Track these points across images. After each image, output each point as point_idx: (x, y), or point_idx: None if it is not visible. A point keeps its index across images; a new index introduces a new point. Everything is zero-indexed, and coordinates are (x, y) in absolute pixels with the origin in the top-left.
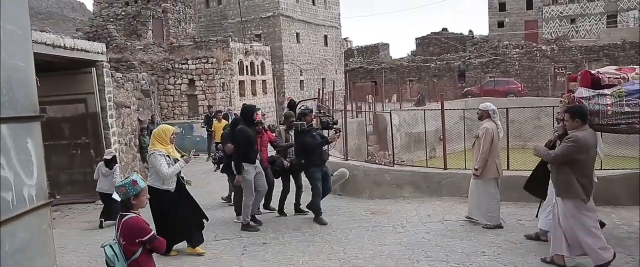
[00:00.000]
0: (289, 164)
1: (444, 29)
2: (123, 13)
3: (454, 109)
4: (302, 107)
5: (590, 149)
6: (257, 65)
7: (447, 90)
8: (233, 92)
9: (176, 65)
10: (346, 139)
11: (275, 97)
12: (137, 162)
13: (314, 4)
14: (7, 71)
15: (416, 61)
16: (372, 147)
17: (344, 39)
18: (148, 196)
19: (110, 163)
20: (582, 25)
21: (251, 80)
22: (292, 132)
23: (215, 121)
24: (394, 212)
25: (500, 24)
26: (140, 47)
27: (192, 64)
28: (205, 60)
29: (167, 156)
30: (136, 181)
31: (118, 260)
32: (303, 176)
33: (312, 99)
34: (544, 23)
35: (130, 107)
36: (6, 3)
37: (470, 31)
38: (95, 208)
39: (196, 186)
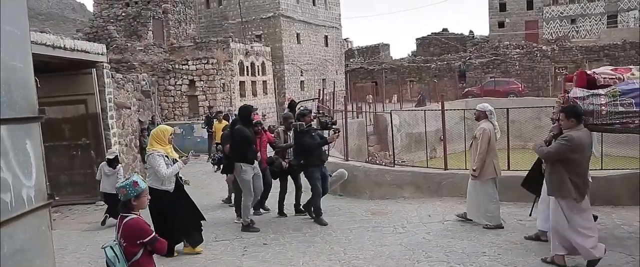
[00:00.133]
0: (287, 165)
1: (445, 30)
2: (123, 14)
3: (454, 110)
4: (301, 108)
5: (585, 148)
6: (258, 66)
7: (448, 90)
8: (233, 92)
9: (176, 66)
10: (346, 139)
11: (275, 97)
12: (137, 163)
13: (314, 5)
14: (6, 72)
15: (417, 61)
16: (373, 148)
17: (345, 39)
18: (149, 197)
19: (113, 163)
20: (583, 26)
21: (252, 81)
22: (291, 133)
23: (215, 122)
24: (394, 213)
25: (501, 24)
26: (140, 48)
27: (193, 64)
28: (206, 61)
29: (165, 156)
30: (137, 182)
31: (119, 261)
32: (302, 176)
33: (311, 99)
34: (545, 23)
35: (130, 108)
36: (5, 4)
37: (471, 31)
38: (96, 209)
39: (196, 186)
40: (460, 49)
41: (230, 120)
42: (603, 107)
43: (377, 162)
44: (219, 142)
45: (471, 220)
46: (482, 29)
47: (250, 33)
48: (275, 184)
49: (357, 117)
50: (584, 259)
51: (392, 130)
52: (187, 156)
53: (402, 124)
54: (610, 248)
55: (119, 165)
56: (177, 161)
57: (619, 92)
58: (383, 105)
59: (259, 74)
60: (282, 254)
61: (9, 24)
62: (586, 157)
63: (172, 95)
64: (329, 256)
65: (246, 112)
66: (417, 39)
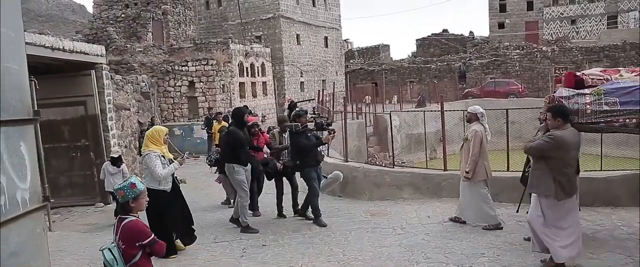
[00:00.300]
0: (281, 167)
1: (445, 30)
2: (123, 15)
3: (454, 110)
4: (297, 109)
5: (570, 147)
6: (258, 67)
7: (448, 91)
8: (233, 94)
9: (176, 67)
10: (346, 140)
11: (275, 98)
12: (137, 164)
13: (314, 6)
14: (1, 74)
15: (417, 62)
16: (373, 149)
17: (345, 40)
18: (147, 199)
19: (117, 162)
20: (583, 26)
21: (251, 82)
22: (286, 135)
23: (215, 123)
24: (393, 214)
25: (501, 25)
26: (140, 49)
27: (192, 66)
28: (205, 62)
29: (162, 156)
30: (135, 183)
31: (117, 264)
32: (297, 176)
33: (308, 100)
34: (545, 24)
35: (130, 110)
36: None
37: (471, 32)
38: (95, 211)
39: (196, 187)
40: (460, 50)
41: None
42: (588, 106)
43: (377, 163)
44: (218, 143)
45: (465, 222)
46: (482, 29)
47: (250, 34)
48: (270, 185)
49: (357, 118)
50: (554, 260)
51: (392, 131)
52: (182, 157)
53: (402, 125)
54: (610, 249)
55: (123, 164)
56: (173, 162)
57: (604, 91)
58: (383, 106)
59: (258, 75)
60: (281, 255)
61: (4, 26)
62: (571, 156)
63: (171, 97)
64: (328, 257)
65: (239, 114)
66: (417, 40)
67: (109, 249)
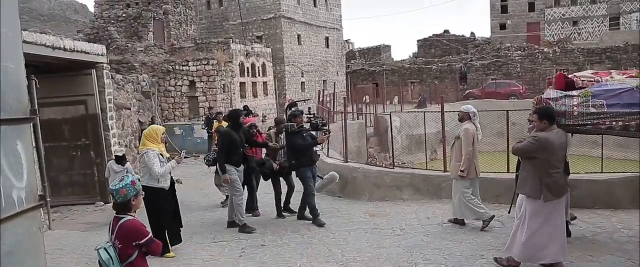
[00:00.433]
0: (278, 167)
1: (446, 31)
2: (124, 15)
3: (455, 111)
4: (293, 109)
5: (555, 149)
6: (258, 67)
7: (449, 92)
8: (234, 93)
9: (177, 67)
10: (346, 140)
11: (276, 98)
12: (137, 163)
13: (315, 6)
14: None
15: (418, 63)
16: (373, 149)
17: (346, 40)
18: (143, 193)
19: (122, 160)
20: (585, 28)
21: (252, 82)
22: (282, 136)
23: (215, 123)
24: (393, 215)
25: (502, 26)
26: (141, 49)
27: (193, 65)
28: (206, 62)
29: (160, 154)
30: (134, 181)
31: (113, 263)
32: (294, 176)
33: (303, 100)
34: (546, 25)
35: (130, 109)
36: None
37: (472, 33)
38: (95, 210)
39: (196, 187)
40: (462, 51)
41: None
42: (575, 108)
43: (377, 163)
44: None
45: (465, 223)
46: (483, 30)
47: (250, 34)
48: (270, 185)
49: (358, 119)
50: (516, 258)
51: (392, 132)
52: (179, 155)
53: (403, 126)
54: (610, 252)
55: (127, 162)
56: (172, 160)
57: (591, 93)
58: (383, 107)
59: (259, 75)
60: (280, 255)
61: (1, 25)
62: (557, 157)
63: (172, 96)
64: (326, 257)
65: (235, 115)
66: (418, 41)
67: (105, 248)
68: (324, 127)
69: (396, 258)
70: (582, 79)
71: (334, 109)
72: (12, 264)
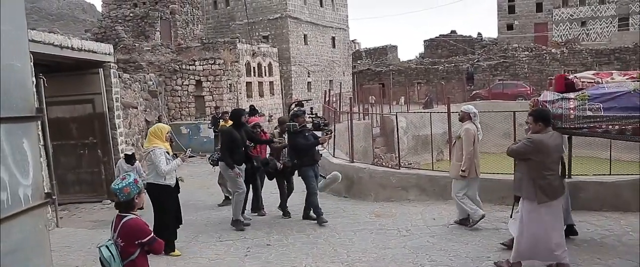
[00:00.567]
0: (281, 166)
1: (453, 32)
2: (131, 14)
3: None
4: (295, 109)
5: (550, 151)
6: (265, 67)
7: (456, 93)
8: (240, 93)
9: (183, 67)
10: (352, 141)
11: (282, 98)
12: (144, 162)
13: (321, 6)
14: (3, 71)
15: (424, 63)
16: (379, 150)
17: (352, 40)
18: (145, 192)
19: (131, 159)
20: (593, 28)
21: (258, 82)
22: (285, 136)
23: (221, 122)
24: (399, 215)
25: (510, 27)
26: (148, 48)
27: (200, 65)
28: (213, 62)
29: (167, 152)
30: (136, 179)
31: (114, 261)
32: (294, 177)
33: (305, 100)
34: (554, 26)
35: (137, 108)
36: (2, 3)
37: (479, 34)
38: (102, 208)
39: (202, 186)
40: (469, 51)
41: None
42: (571, 111)
43: (383, 164)
44: None
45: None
46: (490, 31)
47: (257, 34)
48: (273, 185)
49: (364, 119)
50: (511, 259)
51: (398, 133)
52: (185, 153)
53: (409, 126)
54: (618, 255)
55: (136, 161)
56: (177, 158)
57: (588, 96)
58: (390, 107)
59: (265, 75)
60: (285, 255)
61: (7, 23)
62: (552, 159)
63: (179, 96)
64: (332, 257)
65: (237, 115)
66: (425, 41)
67: (106, 246)
68: (326, 127)
69: (402, 259)
70: (582, 80)
71: (340, 109)
72: (18, 261)
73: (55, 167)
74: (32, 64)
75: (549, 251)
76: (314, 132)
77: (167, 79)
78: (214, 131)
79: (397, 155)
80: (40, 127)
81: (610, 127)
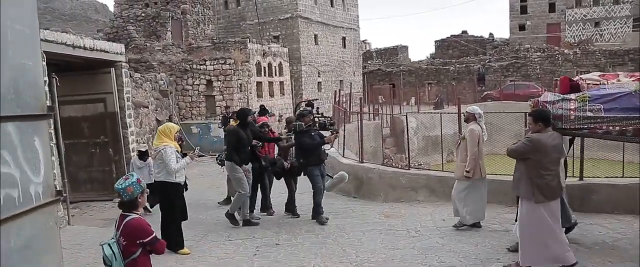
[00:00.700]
0: (289, 166)
1: (464, 32)
2: (143, 14)
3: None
4: (301, 109)
5: (548, 150)
6: (275, 67)
7: (467, 93)
8: (250, 93)
9: (194, 66)
10: (362, 141)
11: (292, 98)
12: (155, 160)
13: (332, 6)
14: (15, 70)
15: (435, 64)
16: (389, 150)
17: (363, 41)
18: (147, 191)
19: (144, 156)
20: (607, 29)
21: (269, 82)
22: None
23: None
24: (408, 216)
25: (522, 27)
26: (159, 48)
27: (210, 64)
28: (223, 61)
29: (177, 151)
30: (139, 179)
31: (116, 259)
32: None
33: (307, 100)
34: (567, 26)
35: (148, 107)
36: (15, 3)
37: (491, 34)
38: (113, 206)
39: (212, 185)
40: (480, 52)
41: None
42: (572, 112)
43: (393, 164)
44: None
45: (480, 226)
46: (502, 31)
47: (268, 34)
48: (282, 185)
49: (374, 119)
50: (521, 263)
51: (408, 133)
52: (193, 151)
53: (419, 127)
54: (630, 259)
55: (149, 158)
56: (186, 156)
57: (589, 97)
58: (400, 108)
59: (276, 75)
60: (294, 254)
61: (19, 23)
62: (550, 159)
63: (189, 95)
64: (340, 257)
65: (243, 114)
66: (435, 41)
67: (109, 244)
68: (332, 127)
69: (410, 260)
70: (587, 82)
71: (350, 110)
72: (29, 257)
73: (67, 165)
74: (44, 63)
75: (554, 253)
76: (321, 131)
77: (178, 79)
78: (224, 131)
79: (407, 155)
80: (52, 126)
81: (611, 128)
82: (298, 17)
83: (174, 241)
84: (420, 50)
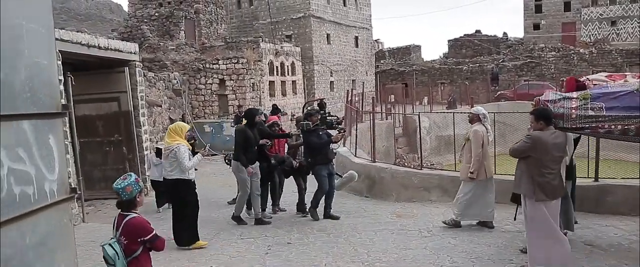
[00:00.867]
0: (297, 165)
1: (478, 31)
2: (156, 14)
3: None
4: (308, 108)
5: (549, 148)
6: (288, 66)
7: (480, 93)
8: (263, 92)
9: (207, 65)
10: (374, 140)
11: (305, 97)
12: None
13: (345, 5)
14: (31, 69)
15: (448, 63)
16: (401, 150)
17: (375, 40)
18: (146, 191)
19: (161, 153)
20: (624, 28)
21: (281, 81)
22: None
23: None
24: (420, 216)
25: (536, 26)
26: (172, 47)
27: (223, 64)
28: (236, 61)
29: (189, 149)
30: (138, 178)
31: (118, 258)
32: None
33: (315, 100)
34: (583, 25)
35: (161, 106)
36: (30, 2)
37: (505, 33)
38: None
39: (224, 184)
40: (494, 51)
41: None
42: (573, 111)
43: (405, 164)
44: None
45: (493, 227)
46: (516, 30)
47: (280, 33)
48: (294, 184)
49: (386, 119)
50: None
51: (420, 133)
52: (203, 149)
53: (432, 127)
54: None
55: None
56: (197, 154)
57: (591, 96)
58: (413, 107)
59: (288, 74)
60: (306, 253)
61: (34, 22)
62: (551, 157)
63: (202, 94)
64: (352, 257)
65: (250, 114)
66: (448, 41)
67: (110, 244)
68: (339, 126)
69: (422, 260)
70: (594, 82)
71: (362, 109)
72: (43, 254)
73: (82, 163)
74: (60, 62)
75: (562, 253)
76: (328, 130)
77: (191, 78)
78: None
79: (419, 155)
80: (67, 124)
81: (612, 127)
82: (310, 17)
83: (187, 237)
84: (433, 50)
